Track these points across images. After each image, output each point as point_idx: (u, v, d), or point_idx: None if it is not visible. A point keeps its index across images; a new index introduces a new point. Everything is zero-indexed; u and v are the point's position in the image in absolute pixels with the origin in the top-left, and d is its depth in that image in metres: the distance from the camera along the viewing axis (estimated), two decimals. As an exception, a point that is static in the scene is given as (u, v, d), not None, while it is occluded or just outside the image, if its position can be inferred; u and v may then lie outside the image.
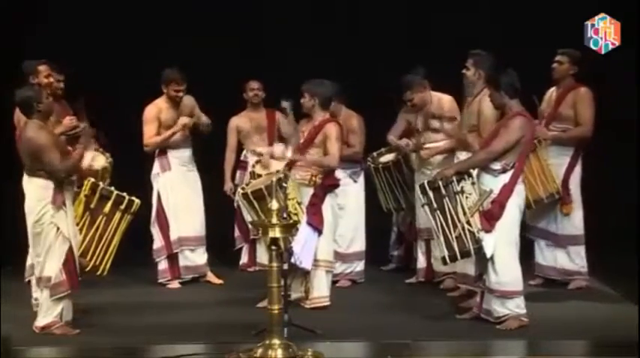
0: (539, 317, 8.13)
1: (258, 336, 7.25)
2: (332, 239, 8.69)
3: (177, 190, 9.55)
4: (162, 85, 9.44)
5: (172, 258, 9.56)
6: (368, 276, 9.77)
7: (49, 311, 7.83)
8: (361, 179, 9.56)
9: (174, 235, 9.52)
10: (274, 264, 6.98)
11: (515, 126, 7.77)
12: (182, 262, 9.59)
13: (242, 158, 10.11)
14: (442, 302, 8.74)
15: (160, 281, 9.56)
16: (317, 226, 8.39)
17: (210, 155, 9.92)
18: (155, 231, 9.57)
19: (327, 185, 8.52)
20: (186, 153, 9.60)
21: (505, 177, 7.77)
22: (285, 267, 7.28)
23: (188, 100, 9.60)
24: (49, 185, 7.70)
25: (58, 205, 7.72)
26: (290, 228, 7.20)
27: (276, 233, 6.95)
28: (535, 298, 8.73)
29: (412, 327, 8.02)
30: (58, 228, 7.71)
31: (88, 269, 8.12)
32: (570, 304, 8.72)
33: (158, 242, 9.56)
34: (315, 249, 8.42)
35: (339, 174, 8.94)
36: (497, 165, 7.79)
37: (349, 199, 9.36)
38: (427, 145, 9.08)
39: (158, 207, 9.55)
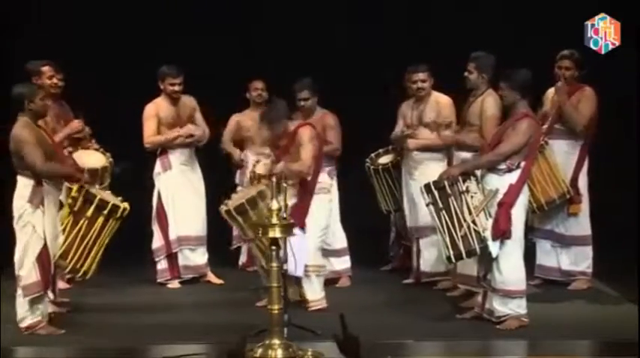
0: (540, 317, 8.13)
1: (258, 336, 7.24)
2: (319, 242, 8.56)
3: (179, 190, 9.52)
4: (159, 81, 9.42)
5: (172, 258, 9.54)
6: (367, 277, 9.77)
7: (30, 312, 7.84)
8: (334, 181, 9.31)
9: (173, 235, 9.49)
10: (274, 264, 6.98)
11: (523, 129, 7.78)
12: (182, 262, 9.57)
13: (242, 157, 10.08)
14: (442, 302, 8.74)
15: (159, 280, 9.54)
16: (299, 225, 8.22)
17: (208, 155, 9.90)
18: (155, 230, 9.55)
19: (311, 187, 8.42)
20: (187, 152, 9.57)
21: (511, 177, 7.77)
22: (285, 267, 7.31)
23: (189, 101, 9.57)
24: (30, 183, 7.71)
25: (36, 204, 7.71)
26: (291, 228, 7.18)
27: (276, 233, 6.95)
28: (535, 298, 8.72)
29: (412, 327, 8.02)
30: (34, 228, 7.72)
31: (67, 270, 8.12)
32: (570, 304, 8.71)
33: (158, 241, 9.53)
34: (306, 254, 8.29)
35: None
36: (502, 165, 7.80)
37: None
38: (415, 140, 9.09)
39: (158, 206, 9.52)
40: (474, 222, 7.71)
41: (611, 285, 9.14)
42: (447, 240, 7.75)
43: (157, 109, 9.44)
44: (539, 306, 8.50)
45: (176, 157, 9.51)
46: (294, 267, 8.08)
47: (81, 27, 11.15)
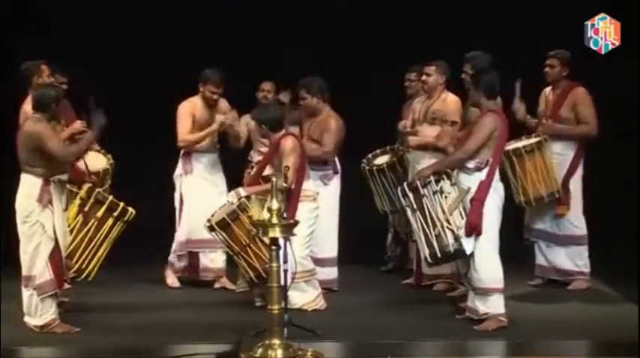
0: (539, 317, 8.14)
1: (258, 336, 7.25)
2: (305, 249, 8.48)
3: (199, 193, 9.34)
4: (200, 83, 9.28)
5: (193, 258, 9.43)
6: (366, 277, 9.79)
7: (44, 310, 7.84)
8: (334, 182, 9.20)
9: (182, 236, 9.37)
10: (274, 264, 6.98)
11: (485, 123, 7.83)
12: (204, 263, 9.44)
13: (249, 158, 10.03)
14: (442, 302, 8.75)
15: (177, 276, 9.42)
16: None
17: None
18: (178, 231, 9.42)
19: (295, 196, 8.41)
20: (212, 157, 9.46)
21: (481, 175, 7.79)
22: (285, 267, 7.31)
23: (223, 104, 9.43)
24: (38, 182, 7.72)
25: (45, 203, 7.72)
26: (291, 228, 7.17)
27: (276, 233, 6.95)
28: (535, 298, 8.75)
29: (411, 327, 8.02)
30: (43, 227, 7.73)
31: (72, 271, 8.14)
32: (570, 304, 8.72)
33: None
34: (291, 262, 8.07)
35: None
36: (471, 164, 7.82)
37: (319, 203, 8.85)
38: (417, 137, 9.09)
39: (181, 207, 9.41)
40: (447, 221, 7.73)
41: (611, 285, 9.14)
42: (423, 240, 7.78)
43: (192, 108, 9.29)
44: (539, 306, 8.52)
45: (199, 162, 9.40)
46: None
47: (82, 27, 11.16)
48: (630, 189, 9.84)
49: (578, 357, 7.54)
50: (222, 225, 8.32)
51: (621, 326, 7.80)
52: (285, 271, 7.36)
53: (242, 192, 8.46)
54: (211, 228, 8.36)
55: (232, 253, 8.39)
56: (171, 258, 9.46)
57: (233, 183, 9.32)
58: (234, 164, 9.73)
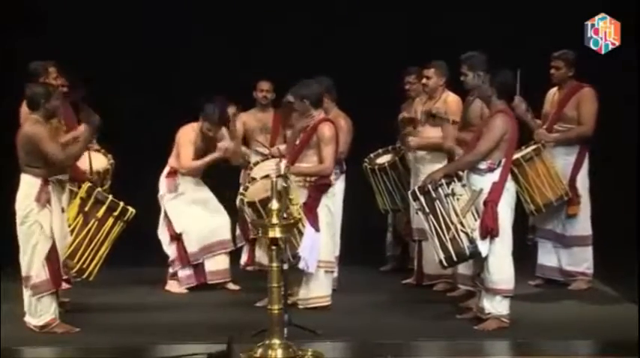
0: (540, 317, 8.14)
1: (258, 336, 7.25)
2: (330, 239, 8.61)
3: (189, 206, 9.37)
4: (200, 117, 9.28)
5: (197, 264, 9.39)
6: (366, 277, 9.78)
7: (44, 310, 7.85)
8: (340, 183, 9.21)
9: (192, 248, 9.32)
10: (274, 264, 6.98)
11: (496, 124, 7.80)
12: (209, 268, 9.41)
13: (245, 157, 10.03)
14: (442, 302, 8.75)
15: (185, 287, 9.35)
16: (312, 224, 8.34)
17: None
18: (170, 248, 9.38)
19: (321, 185, 8.47)
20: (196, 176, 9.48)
21: (493, 176, 7.77)
22: (285, 267, 7.31)
23: (222, 132, 9.45)
24: (37, 182, 7.73)
25: (42, 203, 7.73)
26: (290, 228, 7.19)
27: (276, 233, 6.95)
28: (535, 298, 8.74)
29: (411, 327, 8.03)
30: (41, 227, 7.73)
31: (74, 271, 8.14)
32: (570, 304, 8.72)
33: (174, 253, 9.36)
34: (319, 251, 8.39)
35: None
36: (483, 165, 7.80)
37: None
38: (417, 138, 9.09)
39: (168, 225, 9.38)
40: (461, 223, 7.71)
41: (611, 285, 9.14)
42: (437, 243, 7.76)
43: (195, 137, 9.29)
44: (540, 306, 8.51)
45: (185, 181, 9.38)
46: (309, 264, 8.14)
47: (81, 28, 11.17)
48: (630, 189, 9.84)
49: (578, 357, 7.54)
50: (264, 204, 8.26)
51: (621, 326, 7.80)
52: (284, 269, 7.37)
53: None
54: (252, 205, 8.31)
55: (258, 227, 8.31)
56: (174, 270, 9.39)
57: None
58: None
